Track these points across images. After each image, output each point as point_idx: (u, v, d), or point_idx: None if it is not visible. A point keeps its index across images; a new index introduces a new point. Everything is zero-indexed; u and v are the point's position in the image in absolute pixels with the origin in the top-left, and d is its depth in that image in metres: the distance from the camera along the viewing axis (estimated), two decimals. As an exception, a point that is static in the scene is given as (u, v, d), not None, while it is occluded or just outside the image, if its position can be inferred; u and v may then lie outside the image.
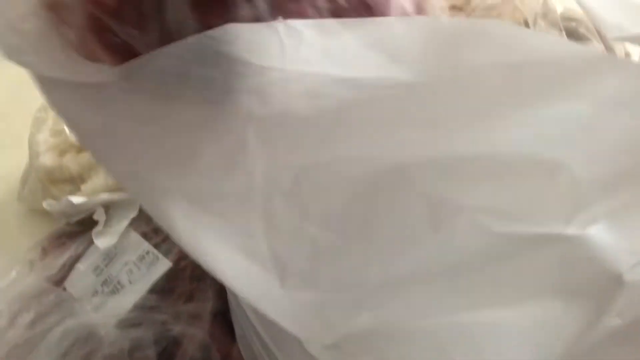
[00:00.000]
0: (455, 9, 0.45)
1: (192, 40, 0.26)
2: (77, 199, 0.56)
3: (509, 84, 0.25)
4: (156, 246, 0.52)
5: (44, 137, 0.61)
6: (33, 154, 0.60)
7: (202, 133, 0.28)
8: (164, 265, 0.51)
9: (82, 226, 0.56)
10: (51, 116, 0.60)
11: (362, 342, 0.28)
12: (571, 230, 0.26)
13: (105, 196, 0.55)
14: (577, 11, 0.47)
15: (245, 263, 0.27)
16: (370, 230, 0.26)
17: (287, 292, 0.27)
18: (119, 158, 0.29)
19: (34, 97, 0.61)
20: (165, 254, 0.52)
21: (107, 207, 0.56)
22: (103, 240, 0.53)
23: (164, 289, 0.51)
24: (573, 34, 0.44)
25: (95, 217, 0.55)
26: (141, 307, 0.50)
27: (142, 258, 0.52)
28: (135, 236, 0.53)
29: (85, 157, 0.59)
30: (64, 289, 0.52)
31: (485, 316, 0.27)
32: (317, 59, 0.26)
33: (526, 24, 0.44)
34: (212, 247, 0.28)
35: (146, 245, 0.53)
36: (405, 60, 0.26)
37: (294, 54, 0.26)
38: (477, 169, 0.26)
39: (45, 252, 0.56)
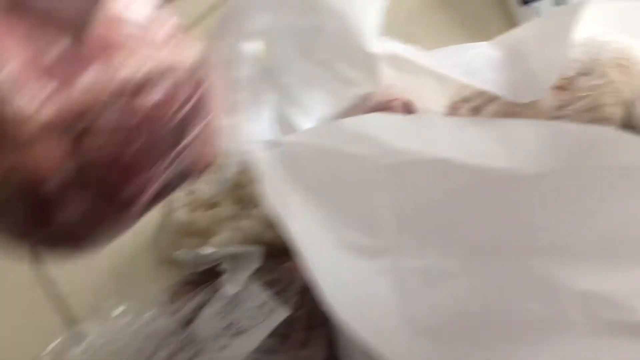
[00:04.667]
0: (559, 89, 0.49)
1: (344, 121, 0.32)
2: (206, 250, 0.62)
3: (622, 184, 0.29)
4: (277, 294, 0.56)
5: (179, 195, 0.68)
6: (168, 210, 0.67)
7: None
8: (281, 313, 0.55)
9: (208, 276, 0.61)
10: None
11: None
12: None
13: (230, 249, 0.61)
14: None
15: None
16: (486, 303, 0.30)
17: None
18: None
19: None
20: (284, 302, 0.57)
21: (233, 258, 0.60)
22: (228, 288, 0.59)
23: (281, 335, 0.55)
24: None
25: (222, 267, 0.60)
26: (261, 350, 0.55)
27: (262, 306, 0.57)
28: (256, 286, 0.59)
29: (214, 213, 0.66)
30: (192, 330, 0.57)
31: None
32: (447, 147, 0.30)
33: (628, 104, 0.46)
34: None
35: (265, 295, 0.57)
36: (525, 155, 0.30)
37: (427, 139, 0.30)
38: (589, 254, 0.29)
39: (174, 296, 0.62)
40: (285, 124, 0.48)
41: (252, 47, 0.44)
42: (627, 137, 0.31)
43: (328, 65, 0.53)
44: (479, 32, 0.61)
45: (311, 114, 0.51)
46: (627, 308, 0.28)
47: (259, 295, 0.57)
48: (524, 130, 0.31)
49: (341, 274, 0.33)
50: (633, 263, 0.29)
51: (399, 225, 0.32)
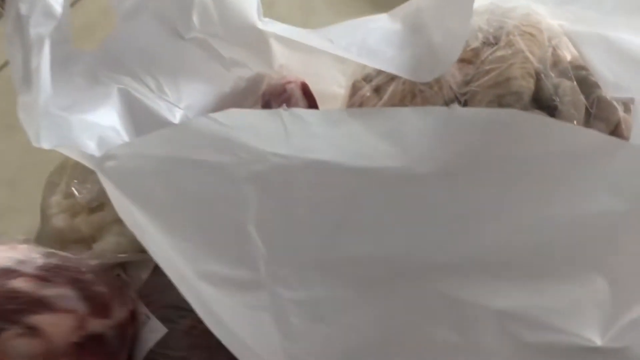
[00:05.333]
0: (464, 62, 0.45)
1: (192, 122, 0.26)
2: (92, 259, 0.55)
3: (535, 177, 0.24)
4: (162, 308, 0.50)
5: (57, 200, 0.60)
6: (45, 217, 0.59)
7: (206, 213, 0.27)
8: (157, 329, 0.49)
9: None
10: (64, 180, 0.60)
11: None
12: (606, 342, 0.24)
13: (120, 256, 0.54)
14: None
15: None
16: (388, 334, 0.25)
17: None
18: None
19: (45, 162, 0.61)
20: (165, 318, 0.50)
21: (124, 267, 0.54)
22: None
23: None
24: (583, 83, 0.43)
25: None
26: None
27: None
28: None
29: (97, 218, 0.58)
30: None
31: None
32: (323, 148, 0.25)
33: (537, 75, 0.42)
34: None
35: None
36: (419, 150, 0.25)
37: (299, 141, 0.25)
38: (502, 270, 0.24)
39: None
40: (147, 120, 0.41)
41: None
42: (535, 119, 0.26)
43: (205, 45, 0.46)
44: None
45: (182, 104, 0.43)
46: (548, 326, 0.24)
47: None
48: (414, 120, 0.26)
49: (215, 307, 0.27)
50: (547, 276, 0.24)
51: (271, 250, 0.26)
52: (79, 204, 0.60)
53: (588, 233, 0.24)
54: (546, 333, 0.24)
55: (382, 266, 0.25)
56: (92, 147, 0.36)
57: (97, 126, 0.38)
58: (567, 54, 0.45)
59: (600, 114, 0.42)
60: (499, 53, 0.43)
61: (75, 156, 0.36)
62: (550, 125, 0.26)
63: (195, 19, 0.47)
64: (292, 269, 0.25)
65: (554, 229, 0.24)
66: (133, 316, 0.46)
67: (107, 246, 0.57)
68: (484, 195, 0.25)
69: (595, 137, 0.25)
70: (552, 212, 0.24)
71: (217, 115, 0.26)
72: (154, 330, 0.47)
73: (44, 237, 0.61)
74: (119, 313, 0.42)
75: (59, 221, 0.59)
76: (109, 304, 0.42)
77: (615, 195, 0.24)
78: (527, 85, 0.41)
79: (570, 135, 0.25)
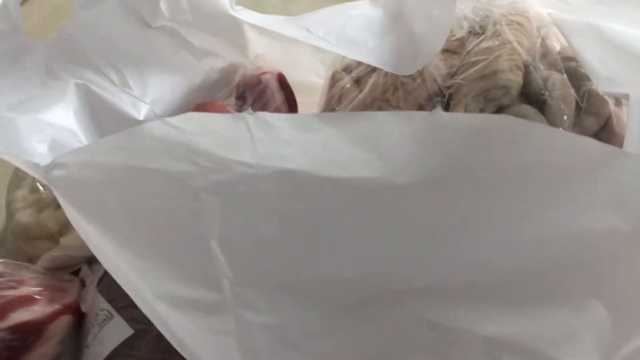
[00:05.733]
0: (449, 52, 0.42)
1: (146, 127, 0.23)
2: (57, 253, 0.52)
3: (528, 190, 0.22)
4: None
5: (23, 194, 0.57)
6: (10, 212, 0.56)
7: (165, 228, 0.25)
8: (121, 328, 0.46)
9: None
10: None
11: None
12: None
13: (85, 249, 0.52)
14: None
15: None
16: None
17: None
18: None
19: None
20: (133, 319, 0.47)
21: (89, 262, 0.51)
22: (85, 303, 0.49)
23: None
24: (573, 75, 0.41)
25: (81, 275, 0.50)
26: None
27: (97, 314, 0.47)
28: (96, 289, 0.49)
29: (64, 213, 0.55)
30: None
31: None
32: (293, 156, 0.22)
33: (525, 67, 0.40)
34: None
35: (102, 301, 0.47)
36: (398, 159, 0.22)
37: (267, 148, 0.22)
38: (491, 293, 0.22)
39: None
40: (108, 118, 0.38)
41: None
42: (529, 126, 0.24)
43: (173, 34, 0.43)
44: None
45: (148, 99, 0.40)
46: (541, 356, 0.21)
47: (98, 301, 0.47)
48: (393, 126, 0.23)
49: (176, 330, 0.24)
50: (541, 301, 0.22)
51: (236, 269, 0.23)
52: (45, 199, 0.57)
53: (587, 254, 0.22)
54: None
55: (358, 287, 0.22)
56: (42, 151, 0.33)
57: (50, 127, 0.35)
58: (556, 44, 0.43)
59: (590, 109, 0.40)
60: (485, 44, 0.41)
61: (19, 165, 0.33)
62: (546, 133, 0.24)
63: (163, 5, 0.44)
64: (259, 291, 0.23)
65: (549, 248, 0.22)
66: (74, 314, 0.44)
67: (73, 241, 0.55)
68: (470, 210, 0.22)
69: (596, 147, 0.23)
70: (547, 229, 0.22)
71: (174, 120, 0.23)
72: (118, 330, 0.45)
73: (8, 234, 0.59)
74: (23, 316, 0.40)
75: (25, 216, 0.56)
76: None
77: (618, 213, 0.21)
78: (515, 79, 0.39)
79: (568, 144, 0.23)
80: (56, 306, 0.44)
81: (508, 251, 0.22)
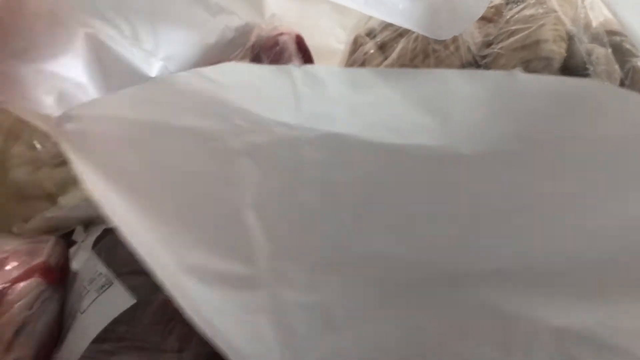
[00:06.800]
0: (484, 20, 0.39)
1: (175, 78, 0.20)
2: (53, 213, 0.49)
3: (611, 167, 0.19)
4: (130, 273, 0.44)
5: (20, 150, 0.54)
6: (4, 169, 0.54)
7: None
8: (121, 296, 0.43)
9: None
10: (27, 130, 0.54)
11: None
12: None
13: (83, 210, 0.49)
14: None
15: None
16: (413, 350, 0.20)
17: None
18: None
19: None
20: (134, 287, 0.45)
21: (87, 224, 0.49)
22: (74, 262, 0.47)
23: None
24: (618, 50, 0.38)
25: (74, 237, 0.48)
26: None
27: (92, 280, 0.44)
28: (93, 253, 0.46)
29: (62, 172, 0.53)
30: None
31: None
32: (343, 117, 0.20)
33: (569, 38, 0.37)
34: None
35: (100, 266, 0.45)
36: (465, 125, 0.20)
37: (312, 108, 0.19)
38: (566, 281, 0.20)
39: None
40: (118, 72, 0.35)
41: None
42: (620, 94, 0.21)
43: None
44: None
45: (160, 54, 0.37)
46: (613, 348, 0.19)
47: (94, 264, 0.44)
48: (461, 87, 0.20)
49: (203, 307, 0.22)
50: (617, 290, 0.20)
51: (273, 241, 0.21)
52: (43, 157, 0.55)
53: None
54: (613, 356, 0.20)
55: (411, 267, 0.20)
56: (49, 104, 0.30)
57: (56, 78, 0.32)
58: (600, 16, 0.40)
59: (634, 86, 0.38)
60: (527, 11, 0.38)
61: (26, 115, 0.30)
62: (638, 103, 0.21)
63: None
64: (298, 266, 0.21)
65: (629, 234, 0.20)
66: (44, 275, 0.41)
67: (73, 200, 0.52)
68: (548, 187, 0.20)
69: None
70: (629, 212, 0.19)
71: (207, 70, 0.20)
72: (119, 299, 0.42)
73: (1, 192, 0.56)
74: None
75: (20, 174, 0.54)
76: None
77: None
78: (558, 50, 0.36)
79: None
80: (15, 273, 0.41)
81: (590, 236, 0.19)
